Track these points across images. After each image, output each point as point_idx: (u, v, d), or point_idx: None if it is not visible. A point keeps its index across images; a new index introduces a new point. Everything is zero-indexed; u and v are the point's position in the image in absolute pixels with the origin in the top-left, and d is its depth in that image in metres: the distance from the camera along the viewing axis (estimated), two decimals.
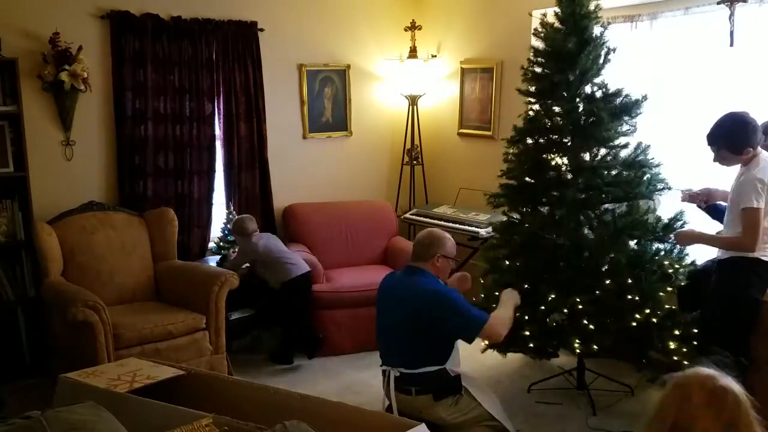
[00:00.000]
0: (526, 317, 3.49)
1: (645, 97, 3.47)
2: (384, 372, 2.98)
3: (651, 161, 3.52)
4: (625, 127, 3.49)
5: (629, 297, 3.32)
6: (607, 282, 3.37)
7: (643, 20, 4.18)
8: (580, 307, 3.37)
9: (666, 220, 3.49)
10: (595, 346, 3.39)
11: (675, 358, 3.29)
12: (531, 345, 3.59)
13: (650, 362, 3.45)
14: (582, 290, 3.40)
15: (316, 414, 2.17)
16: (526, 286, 3.54)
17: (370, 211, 5.24)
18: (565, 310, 3.43)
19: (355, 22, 5.35)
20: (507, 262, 3.72)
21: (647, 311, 3.32)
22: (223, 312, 4.01)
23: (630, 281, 3.34)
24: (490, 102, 5.07)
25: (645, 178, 3.46)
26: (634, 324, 3.33)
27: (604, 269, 3.38)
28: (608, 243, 3.39)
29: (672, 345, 3.30)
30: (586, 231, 3.51)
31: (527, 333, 3.52)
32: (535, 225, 3.57)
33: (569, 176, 3.53)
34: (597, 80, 3.50)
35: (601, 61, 3.47)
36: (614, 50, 3.49)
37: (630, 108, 3.47)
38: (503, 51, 4.95)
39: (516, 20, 4.74)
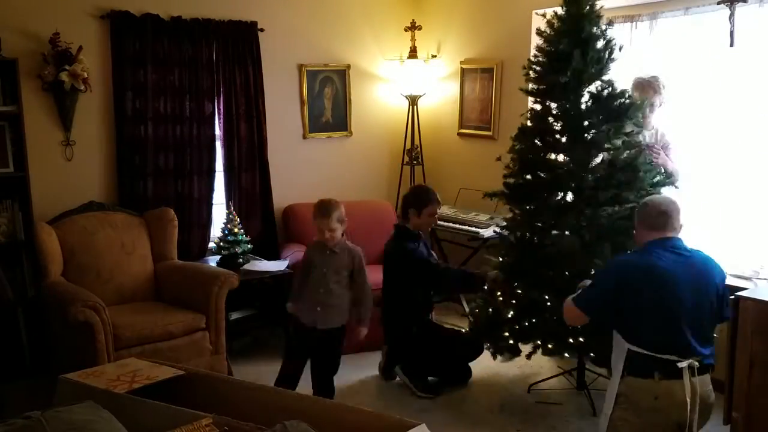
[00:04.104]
0: (509, 316, 3.55)
1: (646, 99, 3.46)
2: (681, 369, 2.64)
3: (649, 164, 3.51)
4: (628, 128, 3.49)
5: None
6: None
7: (643, 20, 4.18)
8: (549, 304, 3.41)
9: None
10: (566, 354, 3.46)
11: None
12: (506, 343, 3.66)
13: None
14: (558, 292, 3.41)
15: (316, 414, 2.17)
16: (515, 284, 3.57)
17: (370, 211, 5.24)
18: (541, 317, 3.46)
19: (355, 22, 5.35)
20: (501, 260, 3.76)
21: None
22: (223, 312, 4.00)
23: None
24: (490, 102, 5.07)
25: (638, 181, 3.45)
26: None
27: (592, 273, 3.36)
28: (591, 246, 3.39)
29: None
30: (581, 233, 3.50)
31: (506, 334, 3.59)
32: (527, 225, 3.59)
33: (564, 177, 3.53)
34: (605, 78, 3.48)
35: (605, 60, 3.47)
36: (620, 48, 3.48)
37: (631, 109, 3.46)
38: (503, 51, 4.95)
39: (516, 20, 4.74)
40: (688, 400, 2.64)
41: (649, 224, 2.79)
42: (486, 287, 3.75)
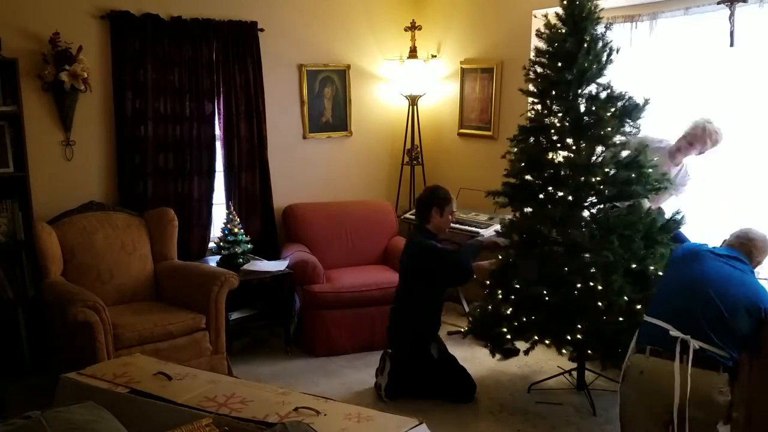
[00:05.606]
0: (508, 312, 3.57)
1: (647, 101, 3.46)
2: (675, 339, 2.63)
3: (650, 161, 3.52)
4: (627, 130, 3.49)
5: (599, 304, 3.31)
6: (579, 285, 3.36)
7: (643, 20, 4.18)
8: (547, 299, 3.43)
9: (664, 220, 3.49)
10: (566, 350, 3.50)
11: None
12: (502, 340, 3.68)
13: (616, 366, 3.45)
14: (560, 288, 3.43)
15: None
16: (517, 285, 3.57)
17: (370, 211, 5.24)
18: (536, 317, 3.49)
19: (355, 22, 5.36)
20: (500, 258, 3.77)
21: (605, 317, 3.31)
22: (223, 312, 4.01)
23: (600, 288, 3.31)
24: (490, 102, 5.08)
25: (643, 177, 3.46)
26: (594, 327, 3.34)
27: (592, 271, 3.36)
28: (597, 242, 3.39)
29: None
30: (583, 230, 3.51)
31: (504, 330, 3.61)
32: (531, 223, 3.59)
33: (567, 174, 3.53)
34: (602, 81, 3.49)
35: (603, 61, 3.47)
36: (617, 50, 3.49)
37: (632, 111, 3.46)
38: (503, 51, 4.95)
39: (516, 20, 4.74)
40: (677, 379, 2.57)
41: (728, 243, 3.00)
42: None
